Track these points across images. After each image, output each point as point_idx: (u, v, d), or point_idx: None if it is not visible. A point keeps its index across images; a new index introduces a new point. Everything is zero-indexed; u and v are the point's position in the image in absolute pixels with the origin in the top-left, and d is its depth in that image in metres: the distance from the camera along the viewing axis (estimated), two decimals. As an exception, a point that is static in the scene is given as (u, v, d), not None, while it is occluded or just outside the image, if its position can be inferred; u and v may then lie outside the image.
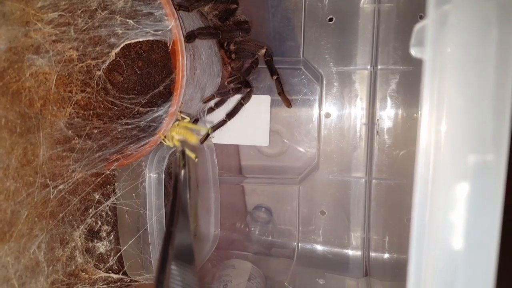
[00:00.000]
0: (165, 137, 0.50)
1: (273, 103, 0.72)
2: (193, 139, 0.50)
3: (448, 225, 0.23)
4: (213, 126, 0.64)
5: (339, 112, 0.72)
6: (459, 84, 0.22)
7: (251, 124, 0.71)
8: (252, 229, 0.81)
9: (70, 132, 0.45)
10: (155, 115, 0.48)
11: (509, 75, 0.21)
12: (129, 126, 0.48)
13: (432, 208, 0.23)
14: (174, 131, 0.50)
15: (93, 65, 0.44)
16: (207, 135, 0.63)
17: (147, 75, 0.53)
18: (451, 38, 0.23)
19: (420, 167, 0.23)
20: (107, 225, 0.54)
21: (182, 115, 0.50)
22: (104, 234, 0.54)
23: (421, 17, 0.26)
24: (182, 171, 0.42)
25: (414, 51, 0.27)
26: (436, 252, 0.23)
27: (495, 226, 0.21)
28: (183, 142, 0.50)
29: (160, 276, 0.26)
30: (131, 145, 0.49)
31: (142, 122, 0.48)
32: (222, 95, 0.59)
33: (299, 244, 0.77)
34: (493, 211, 0.21)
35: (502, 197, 0.21)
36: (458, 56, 0.23)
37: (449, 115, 0.23)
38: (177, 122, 0.50)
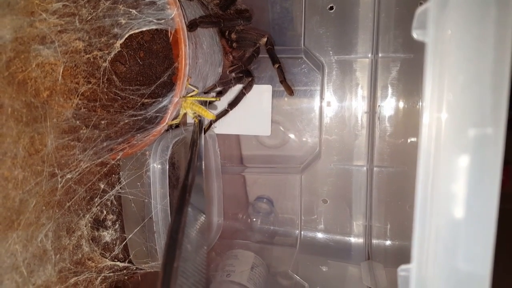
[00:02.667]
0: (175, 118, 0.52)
1: (274, 94, 0.72)
2: (208, 115, 0.53)
3: (450, 196, 0.24)
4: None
5: (340, 101, 0.73)
6: (460, 62, 0.23)
7: (253, 114, 0.71)
8: (254, 219, 0.82)
9: (77, 122, 0.45)
10: (161, 105, 0.49)
11: (507, 52, 0.22)
12: (136, 118, 0.48)
13: (435, 179, 0.24)
14: (188, 108, 0.52)
15: (99, 56, 0.45)
16: (210, 125, 0.64)
17: (149, 65, 0.53)
18: (452, 20, 0.24)
19: (423, 141, 0.24)
20: (112, 214, 0.55)
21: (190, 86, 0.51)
22: (109, 223, 0.55)
23: (421, 4, 0.26)
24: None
25: (416, 34, 0.27)
26: (439, 221, 0.24)
27: (494, 195, 0.22)
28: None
29: (178, 212, 0.28)
30: (137, 135, 0.50)
31: (149, 113, 0.49)
32: (224, 84, 0.60)
33: (302, 232, 0.78)
34: (492, 182, 0.22)
35: (500, 168, 0.22)
36: (458, 36, 0.23)
37: (450, 91, 0.23)
38: (184, 99, 0.51)
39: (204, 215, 0.33)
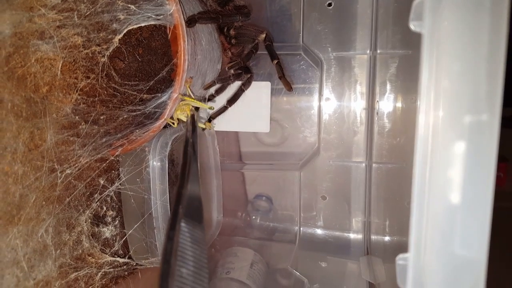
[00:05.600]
0: (171, 118, 0.52)
1: (273, 92, 0.72)
2: (204, 105, 0.53)
3: (446, 181, 0.24)
4: (214, 113, 0.64)
5: (339, 98, 0.73)
6: (456, 50, 0.23)
7: (252, 111, 0.71)
8: (253, 217, 0.82)
9: (76, 117, 0.45)
10: (159, 101, 0.49)
11: (502, 40, 0.22)
12: (134, 113, 0.49)
13: (432, 166, 0.24)
14: (178, 110, 0.52)
15: (98, 52, 0.45)
16: (209, 121, 0.64)
17: (148, 62, 0.53)
18: (448, 10, 0.24)
19: (420, 128, 0.24)
20: (112, 210, 0.55)
21: (188, 89, 0.51)
22: (109, 219, 0.55)
23: (419, -1, 0.27)
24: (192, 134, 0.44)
25: (413, 26, 0.27)
26: (436, 208, 0.24)
27: (490, 181, 0.23)
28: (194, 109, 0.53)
29: (170, 233, 0.27)
30: (136, 131, 0.50)
31: (148, 109, 0.49)
32: (223, 81, 0.60)
33: (301, 229, 0.78)
34: (488, 167, 0.23)
35: (496, 154, 0.23)
36: (454, 26, 0.24)
37: (446, 79, 0.24)
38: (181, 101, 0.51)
39: (202, 226, 0.31)
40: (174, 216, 0.28)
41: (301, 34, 0.71)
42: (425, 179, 0.25)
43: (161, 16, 0.46)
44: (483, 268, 0.23)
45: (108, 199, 0.54)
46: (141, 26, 0.49)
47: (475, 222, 0.23)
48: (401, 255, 0.28)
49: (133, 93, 0.50)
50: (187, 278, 0.26)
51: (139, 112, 0.49)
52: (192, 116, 0.51)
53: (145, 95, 0.50)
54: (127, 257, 0.56)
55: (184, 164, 0.37)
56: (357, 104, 0.73)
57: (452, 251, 0.24)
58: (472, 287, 0.23)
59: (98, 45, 0.45)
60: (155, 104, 0.50)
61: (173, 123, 0.53)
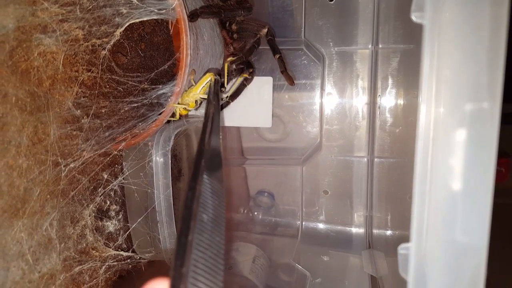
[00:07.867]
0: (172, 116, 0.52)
1: (274, 88, 0.72)
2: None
3: (448, 169, 0.24)
4: (216, 108, 0.65)
5: (341, 92, 0.73)
6: (457, 39, 0.24)
7: (254, 106, 0.71)
8: (256, 213, 0.82)
9: (78, 111, 0.45)
10: (160, 92, 0.49)
11: (502, 28, 0.23)
12: (136, 104, 0.49)
13: (433, 154, 0.25)
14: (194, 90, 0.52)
15: (98, 44, 0.45)
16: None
17: (150, 57, 0.53)
18: (449, 0, 0.24)
19: (421, 116, 0.25)
20: (116, 205, 0.55)
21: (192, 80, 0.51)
22: (113, 213, 0.55)
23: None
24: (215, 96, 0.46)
25: (414, 17, 0.28)
26: (437, 194, 0.25)
27: (490, 168, 0.23)
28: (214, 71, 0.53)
29: (192, 183, 0.28)
30: (139, 124, 0.50)
31: (147, 100, 0.49)
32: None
33: (303, 223, 0.78)
34: (489, 155, 0.23)
35: (496, 142, 0.23)
36: (455, 16, 0.24)
37: (447, 68, 0.24)
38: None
39: (222, 182, 0.32)
40: (196, 169, 0.29)
41: (302, 29, 0.72)
42: (426, 167, 0.25)
43: (164, 11, 0.46)
44: (484, 255, 0.23)
45: (112, 193, 0.54)
46: (143, 21, 0.49)
47: (476, 209, 0.23)
48: (403, 245, 0.28)
49: (135, 84, 0.50)
50: (207, 223, 0.27)
51: (140, 104, 0.49)
52: (216, 81, 0.52)
53: (146, 86, 0.51)
54: (130, 251, 0.57)
55: (205, 125, 0.38)
56: (359, 99, 0.73)
57: (453, 238, 0.24)
58: (473, 274, 0.24)
59: (99, 38, 0.45)
60: (155, 95, 0.50)
61: (177, 112, 0.53)
